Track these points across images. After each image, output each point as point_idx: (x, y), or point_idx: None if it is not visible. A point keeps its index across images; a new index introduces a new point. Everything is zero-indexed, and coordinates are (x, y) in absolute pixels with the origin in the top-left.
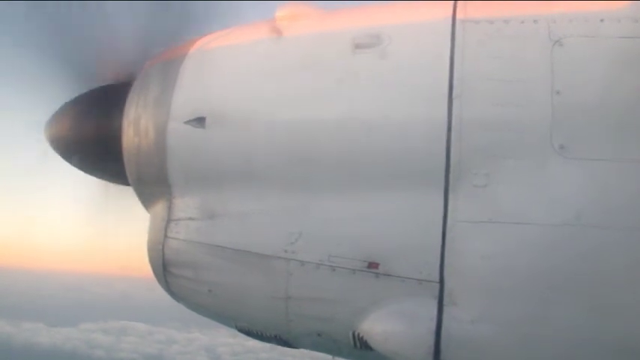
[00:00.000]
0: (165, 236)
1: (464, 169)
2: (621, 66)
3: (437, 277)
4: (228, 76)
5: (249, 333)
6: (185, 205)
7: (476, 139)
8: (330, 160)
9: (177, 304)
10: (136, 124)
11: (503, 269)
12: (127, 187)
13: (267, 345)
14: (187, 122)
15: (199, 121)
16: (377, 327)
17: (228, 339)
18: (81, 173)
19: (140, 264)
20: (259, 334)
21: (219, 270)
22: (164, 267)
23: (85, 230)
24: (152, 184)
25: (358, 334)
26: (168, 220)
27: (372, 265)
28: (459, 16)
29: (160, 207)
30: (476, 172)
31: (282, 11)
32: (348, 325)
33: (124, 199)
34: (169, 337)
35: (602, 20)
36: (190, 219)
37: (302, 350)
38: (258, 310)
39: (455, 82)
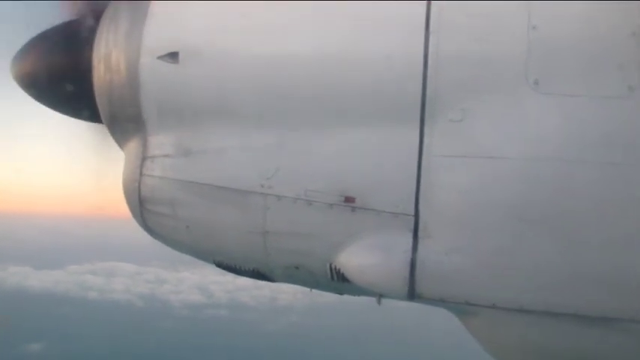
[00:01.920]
0: (141, 174)
1: (440, 103)
2: (597, 2)
3: (412, 211)
4: (202, 8)
5: (227, 267)
6: (160, 142)
7: (452, 73)
8: (307, 95)
9: (161, 244)
10: (107, 60)
11: (477, 202)
12: (100, 125)
13: (260, 282)
14: (160, 58)
15: (172, 56)
16: (353, 259)
17: (218, 277)
18: (55, 113)
19: (120, 204)
20: (237, 268)
21: (196, 206)
22: (140, 204)
23: (65, 172)
24: (125, 122)
25: (335, 267)
26: (144, 158)
27: (349, 200)
28: None
29: (134, 145)
30: (452, 107)
31: None
32: (325, 258)
33: (98, 137)
34: (158, 276)
35: None
36: (166, 156)
37: (295, 286)
38: (235, 244)
39: (431, 17)
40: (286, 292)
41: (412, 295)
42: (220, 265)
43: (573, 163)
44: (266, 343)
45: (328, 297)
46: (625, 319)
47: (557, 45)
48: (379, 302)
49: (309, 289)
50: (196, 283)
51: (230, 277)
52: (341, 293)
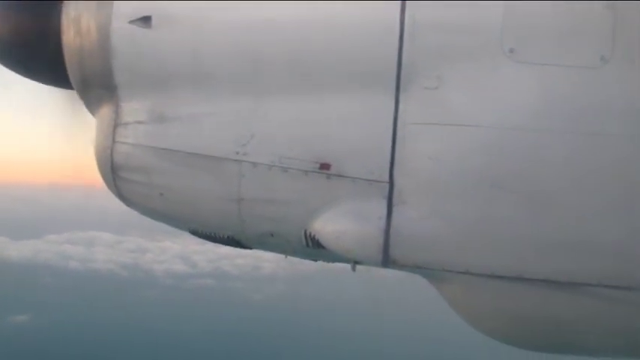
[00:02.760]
0: (114, 141)
1: (415, 70)
2: None
3: (387, 178)
4: None
5: (201, 235)
6: (133, 108)
7: (428, 40)
8: (282, 61)
9: (139, 213)
10: (77, 23)
11: (451, 170)
12: (70, 92)
13: (242, 251)
14: (132, 22)
15: (145, 20)
16: (329, 226)
17: (199, 247)
18: (24, 79)
19: (93, 172)
20: (212, 235)
21: (170, 173)
22: (113, 172)
23: (37, 139)
24: (97, 87)
25: (310, 234)
26: (116, 125)
27: (324, 167)
28: None
29: (106, 111)
30: (427, 75)
31: None
32: (301, 225)
33: (69, 104)
34: (139, 246)
35: None
36: (139, 122)
37: (278, 255)
38: (210, 212)
39: None
40: (269, 260)
41: (386, 261)
42: (195, 232)
43: (546, 132)
44: (255, 312)
45: (312, 266)
46: (593, 284)
47: (532, 14)
48: (354, 269)
49: (290, 258)
50: (178, 252)
51: (211, 247)
52: (315, 260)
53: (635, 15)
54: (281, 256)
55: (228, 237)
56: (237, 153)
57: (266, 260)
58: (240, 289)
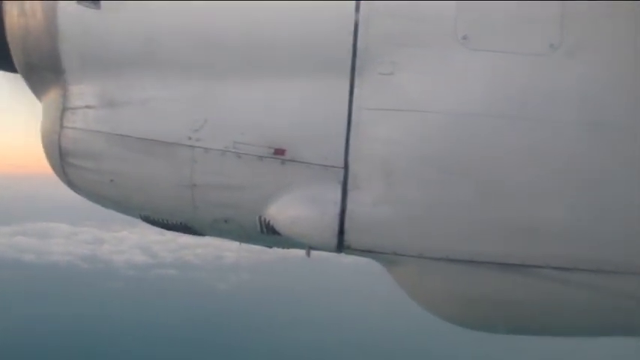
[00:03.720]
0: (62, 126)
1: (370, 56)
2: None
3: (342, 163)
4: None
5: (154, 222)
6: (82, 92)
7: (383, 26)
8: (236, 45)
9: (93, 203)
10: (21, 3)
11: (405, 155)
12: (14, 75)
13: (203, 240)
14: (80, 2)
15: (94, 0)
16: (283, 212)
17: (158, 236)
18: None
19: (42, 160)
20: (164, 222)
21: (121, 159)
22: (61, 158)
23: None
24: (43, 70)
25: (265, 220)
26: (64, 109)
27: (278, 152)
28: None
29: (53, 95)
30: (382, 60)
31: None
32: (255, 211)
33: (14, 88)
34: (96, 236)
35: None
36: (88, 107)
37: (239, 244)
38: (162, 198)
39: None
40: (230, 250)
41: (341, 246)
42: (147, 219)
43: (497, 118)
44: (222, 302)
45: (274, 254)
46: (542, 266)
47: (484, 2)
48: (308, 255)
49: (251, 247)
50: (137, 242)
51: (171, 236)
52: (270, 246)
53: (583, 3)
54: (243, 245)
55: (180, 224)
56: (190, 138)
57: (227, 249)
58: (204, 279)
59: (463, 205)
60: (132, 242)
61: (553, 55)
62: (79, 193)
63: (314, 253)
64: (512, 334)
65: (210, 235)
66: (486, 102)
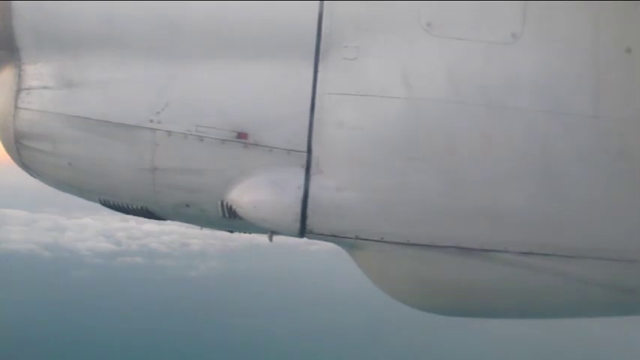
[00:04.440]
0: (16, 107)
1: (335, 41)
2: None
3: (305, 147)
4: None
5: (114, 207)
6: (38, 72)
7: (348, 11)
8: (199, 26)
9: (53, 188)
10: None
11: (368, 140)
12: None
13: (168, 228)
14: None
15: None
16: (246, 196)
17: (122, 223)
18: None
19: None
20: (125, 207)
21: (79, 142)
22: (16, 140)
23: None
24: None
25: (227, 204)
26: (19, 90)
27: (241, 135)
28: None
29: (7, 75)
30: (346, 45)
31: None
32: (217, 195)
33: None
34: (57, 223)
35: None
36: (45, 88)
37: (206, 231)
38: (122, 182)
39: None
40: (196, 237)
41: (303, 230)
42: (106, 204)
43: (459, 105)
44: (193, 289)
45: (240, 241)
46: (501, 250)
47: None
48: (271, 239)
49: (218, 234)
50: (100, 230)
51: (135, 223)
52: (232, 231)
53: None
54: (209, 232)
55: (141, 208)
56: (152, 121)
57: (193, 237)
58: (172, 267)
59: (424, 190)
60: (95, 229)
61: (514, 44)
62: (35, 177)
63: (282, 239)
64: (471, 318)
65: (172, 219)
66: (449, 89)
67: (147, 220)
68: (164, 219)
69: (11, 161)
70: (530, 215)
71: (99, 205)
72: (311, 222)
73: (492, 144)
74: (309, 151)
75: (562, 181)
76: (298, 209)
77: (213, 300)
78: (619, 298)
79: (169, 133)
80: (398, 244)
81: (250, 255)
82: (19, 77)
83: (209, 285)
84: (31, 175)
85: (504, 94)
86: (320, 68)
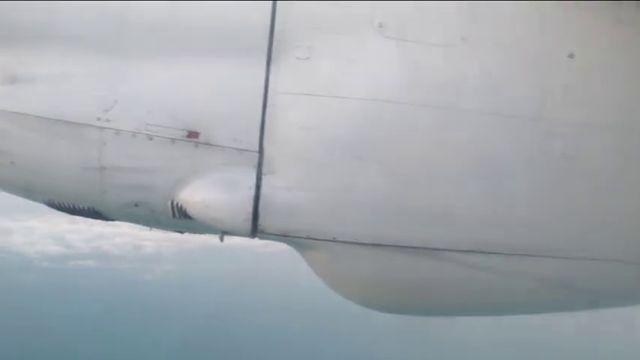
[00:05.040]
0: None
1: (287, 40)
2: None
3: (256, 147)
4: None
5: (59, 207)
6: None
7: (301, 10)
8: (150, 22)
9: None
10: None
11: (320, 140)
12: None
13: (120, 230)
14: None
15: None
16: (196, 196)
17: (70, 225)
18: None
19: None
20: (71, 207)
21: (22, 140)
22: None
23: None
24: None
25: (177, 204)
26: None
27: (192, 135)
28: None
29: None
30: (299, 45)
31: None
32: (167, 195)
33: None
34: (2, 226)
35: None
36: None
37: (159, 233)
38: (68, 182)
39: None
40: (150, 239)
41: (255, 231)
42: (52, 204)
43: (409, 106)
44: (151, 292)
45: (195, 243)
46: (447, 249)
47: None
48: (222, 240)
49: (172, 236)
50: (48, 232)
51: (85, 225)
52: (182, 232)
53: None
54: (162, 234)
55: (88, 208)
56: (99, 119)
57: (146, 239)
58: (127, 270)
59: (374, 190)
60: (42, 232)
61: (464, 47)
62: None
63: (237, 241)
64: (420, 316)
65: (120, 220)
66: (400, 90)
67: (94, 221)
68: (111, 219)
69: None
70: (475, 215)
71: (45, 207)
72: (262, 222)
73: (440, 145)
74: (261, 150)
75: (506, 182)
76: (250, 209)
77: (172, 303)
78: (559, 295)
79: (117, 131)
80: (348, 243)
81: (207, 257)
82: None
83: (167, 288)
84: None
85: (452, 95)
86: (272, 67)
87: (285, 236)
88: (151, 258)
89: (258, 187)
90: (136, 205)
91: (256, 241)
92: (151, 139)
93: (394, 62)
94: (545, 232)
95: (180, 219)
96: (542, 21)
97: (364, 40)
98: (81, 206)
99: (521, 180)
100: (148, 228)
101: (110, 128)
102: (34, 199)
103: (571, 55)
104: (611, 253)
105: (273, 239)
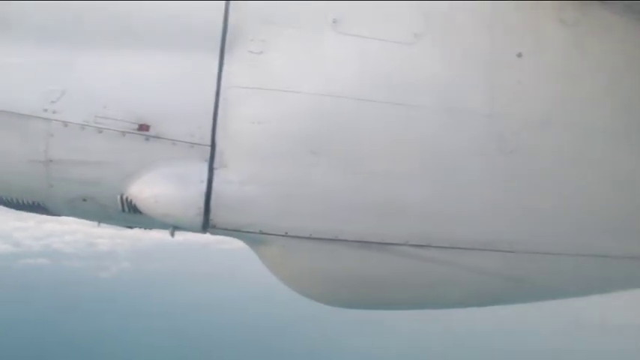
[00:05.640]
0: None
1: (241, 34)
2: None
3: (209, 141)
4: None
5: (3, 202)
6: None
7: (254, 5)
8: (100, 12)
9: None
10: None
11: (272, 134)
12: None
13: (70, 227)
14: None
15: None
16: (147, 190)
17: (18, 222)
18: None
19: None
20: (15, 202)
21: None
22: None
23: None
24: None
25: (127, 198)
26: None
27: (143, 128)
28: None
29: None
30: (252, 38)
31: None
32: (117, 189)
33: None
34: None
35: None
36: None
37: (112, 230)
38: (12, 175)
39: None
40: (102, 236)
41: (206, 225)
42: None
43: (362, 101)
44: (107, 291)
45: (149, 240)
46: (401, 243)
47: None
48: (172, 235)
49: (126, 233)
50: None
51: (33, 222)
52: (132, 227)
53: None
54: (115, 231)
55: (34, 203)
56: (46, 110)
57: (99, 236)
58: (82, 269)
59: (327, 185)
60: None
61: (417, 44)
62: None
63: (193, 237)
64: (372, 310)
65: (66, 215)
66: (352, 85)
67: (44, 217)
68: (58, 214)
69: None
70: (427, 209)
71: None
72: (214, 216)
73: (393, 140)
74: (213, 144)
75: (458, 177)
76: (201, 203)
77: (131, 301)
78: (509, 287)
79: (65, 123)
80: (301, 238)
81: (162, 254)
82: None
83: (125, 286)
84: None
85: (405, 91)
86: (225, 61)
87: (238, 231)
88: (106, 256)
89: (209, 181)
90: (84, 200)
91: (212, 238)
92: (101, 131)
93: (347, 58)
94: (495, 227)
95: (130, 214)
96: (493, 20)
97: (318, 36)
98: (26, 201)
99: (473, 175)
100: (96, 224)
101: (57, 120)
102: None
103: (519, 55)
104: (559, 246)
105: (225, 234)
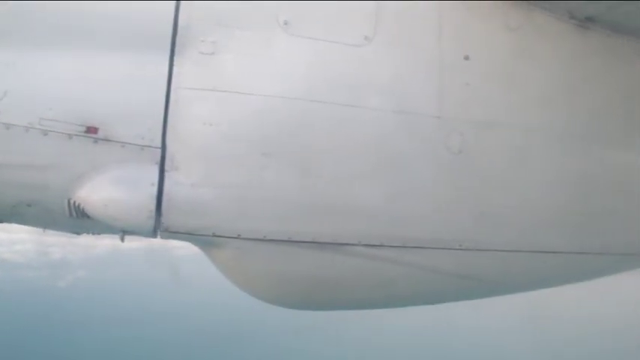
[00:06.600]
0: None
1: (191, 34)
2: None
3: (159, 143)
4: None
5: None
6: None
7: (205, 5)
8: (45, 10)
9: None
10: None
11: (224, 136)
12: None
13: (18, 236)
14: None
15: None
16: (95, 194)
17: None
18: None
19: None
20: None
21: None
22: None
23: None
24: None
25: (74, 202)
26: None
27: (91, 130)
28: None
29: None
30: (203, 39)
31: None
32: (64, 193)
33: None
34: None
35: None
36: None
37: (63, 238)
38: None
39: None
40: (53, 245)
41: (157, 229)
42: None
43: (312, 103)
44: (67, 299)
45: (102, 248)
46: (354, 244)
47: None
48: (122, 240)
49: (78, 241)
50: None
51: None
52: (79, 233)
53: (397, 1)
54: (66, 239)
55: None
56: None
57: (50, 244)
58: (36, 278)
59: (279, 186)
60: None
61: (367, 46)
62: None
63: (146, 243)
64: (327, 310)
65: (11, 221)
66: (303, 86)
67: None
68: (1, 221)
69: None
70: (380, 209)
71: None
72: (166, 220)
73: (344, 141)
74: (164, 147)
75: (409, 178)
76: (152, 207)
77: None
78: (460, 285)
79: (7, 125)
80: (254, 240)
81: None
82: None
83: (83, 293)
84: None
85: (356, 93)
86: (176, 62)
87: (190, 234)
88: (59, 265)
89: (160, 184)
90: (29, 205)
91: (168, 243)
92: (46, 134)
93: (299, 60)
94: (446, 226)
95: (79, 219)
96: (441, 23)
97: (269, 37)
98: None
99: (423, 176)
100: (42, 230)
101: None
102: None
103: (467, 57)
104: (507, 244)
105: (177, 238)
